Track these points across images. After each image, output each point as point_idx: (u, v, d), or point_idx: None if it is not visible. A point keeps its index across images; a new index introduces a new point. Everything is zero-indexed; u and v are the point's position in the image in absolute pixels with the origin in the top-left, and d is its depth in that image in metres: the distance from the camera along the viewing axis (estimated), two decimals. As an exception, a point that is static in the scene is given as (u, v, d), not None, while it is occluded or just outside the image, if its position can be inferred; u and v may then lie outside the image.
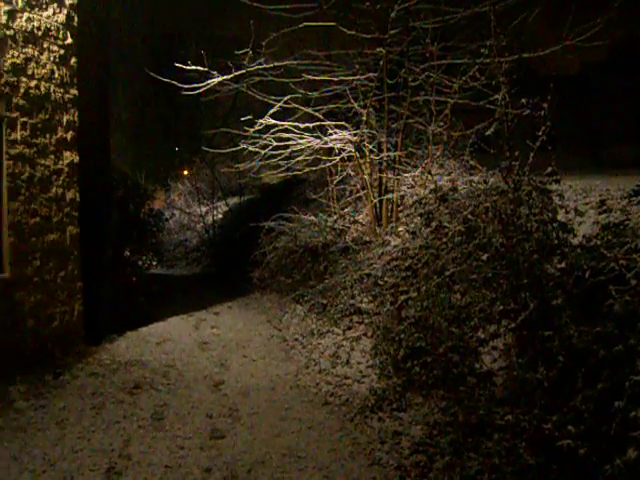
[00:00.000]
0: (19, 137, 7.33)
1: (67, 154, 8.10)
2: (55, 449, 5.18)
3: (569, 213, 5.52)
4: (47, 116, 7.76)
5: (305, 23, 8.17)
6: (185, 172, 24.19)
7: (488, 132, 5.34)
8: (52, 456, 5.05)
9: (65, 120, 8.07)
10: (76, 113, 8.27)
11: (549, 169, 5.17)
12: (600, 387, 3.73)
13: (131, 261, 10.33)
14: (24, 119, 7.41)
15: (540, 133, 5.07)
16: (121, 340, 8.70)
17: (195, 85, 8.65)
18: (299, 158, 9.82)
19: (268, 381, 7.01)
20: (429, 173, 8.07)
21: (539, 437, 3.97)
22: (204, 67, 8.51)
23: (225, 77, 8.70)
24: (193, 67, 8.49)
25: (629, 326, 3.82)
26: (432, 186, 6.55)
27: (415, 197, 8.01)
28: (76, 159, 8.24)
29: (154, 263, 12.07)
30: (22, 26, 7.36)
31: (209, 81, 8.68)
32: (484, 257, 4.92)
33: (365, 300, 7.84)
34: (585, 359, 3.95)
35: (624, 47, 19.13)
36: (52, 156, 7.85)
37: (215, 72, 8.62)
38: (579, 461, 3.66)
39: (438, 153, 8.95)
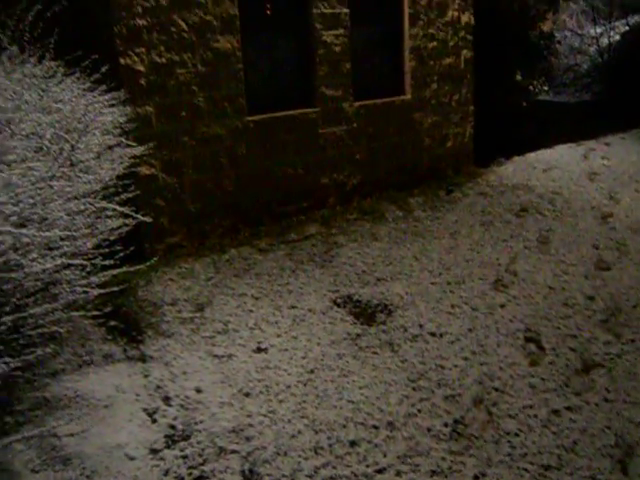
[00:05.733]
0: (418, -38, 7.51)
1: (462, -24, 8.05)
2: (449, 256, 5.76)
3: None
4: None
5: None
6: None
7: None
8: (446, 262, 5.64)
9: (461, -60, 7.94)
10: None
11: None
12: None
13: (521, 86, 10.12)
14: (421, -56, 7.52)
15: None
16: (508, 164, 8.87)
17: None
18: None
19: (663, 219, 6.51)
20: None
21: None
22: None
23: None
24: None
25: None
26: None
27: None
28: (471, -20, 8.15)
29: (545, 89, 11.60)
30: None
31: None
32: None
33: None
34: None
35: None
36: (449, -22, 7.90)
37: None
38: None
39: None
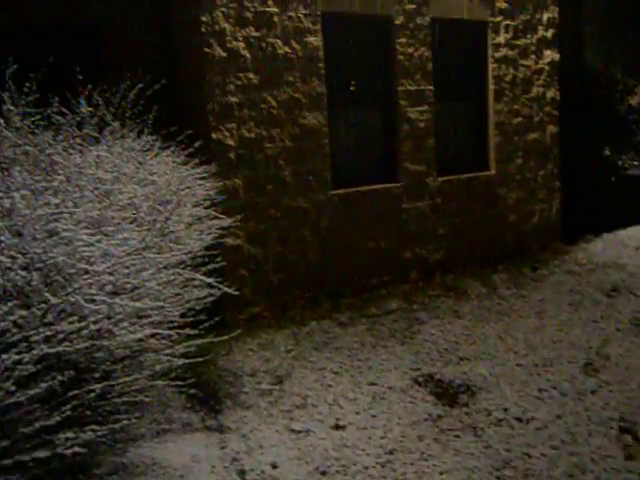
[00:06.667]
0: (502, 40, 7.61)
1: (547, 53, 8.09)
2: (535, 336, 5.54)
3: None
4: (528, 16, 7.82)
5: None
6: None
7: None
8: (532, 342, 5.42)
9: (545, 18, 8.01)
10: (556, 10, 8.11)
11: None
12: None
13: (610, 161, 9.89)
14: (507, 22, 7.62)
15: None
16: (597, 241, 8.60)
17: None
18: None
19: None
20: None
21: None
22: None
23: None
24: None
25: None
26: None
27: None
28: (556, 57, 8.18)
29: (635, 163, 11.28)
30: None
31: None
32: None
33: None
34: None
35: None
36: (533, 56, 7.95)
37: None
38: None
39: None
